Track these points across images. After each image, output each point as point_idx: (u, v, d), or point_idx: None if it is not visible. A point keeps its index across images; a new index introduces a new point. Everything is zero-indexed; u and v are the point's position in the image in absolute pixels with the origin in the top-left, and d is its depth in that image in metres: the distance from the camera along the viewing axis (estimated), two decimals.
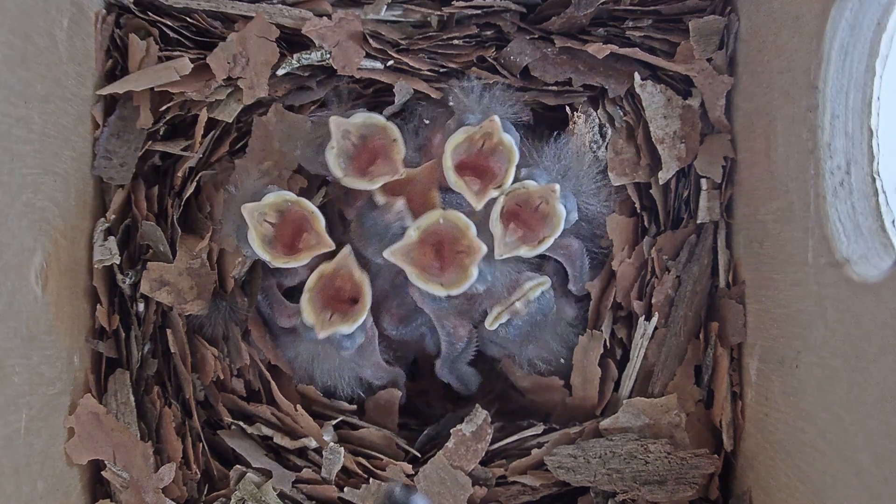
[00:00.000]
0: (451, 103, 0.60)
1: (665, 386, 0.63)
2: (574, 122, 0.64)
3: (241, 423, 0.62)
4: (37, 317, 0.53)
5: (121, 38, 0.62)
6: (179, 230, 0.62)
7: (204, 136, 0.63)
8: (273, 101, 0.64)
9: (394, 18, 0.65)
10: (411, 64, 0.63)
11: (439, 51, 0.64)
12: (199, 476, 0.61)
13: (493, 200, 0.56)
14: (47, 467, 0.54)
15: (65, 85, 0.57)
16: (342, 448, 0.61)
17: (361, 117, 0.58)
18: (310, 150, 0.59)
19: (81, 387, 0.59)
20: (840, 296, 0.48)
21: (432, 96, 0.64)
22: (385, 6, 0.64)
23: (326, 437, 0.62)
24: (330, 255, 0.58)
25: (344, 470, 0.61)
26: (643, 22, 0.64)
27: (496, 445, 0.63)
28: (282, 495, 0.60)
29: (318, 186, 0.64)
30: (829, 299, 0.49)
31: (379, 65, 0.64)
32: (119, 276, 0.61)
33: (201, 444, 0.62)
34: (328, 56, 0.62)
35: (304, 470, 0.61)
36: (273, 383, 0.63)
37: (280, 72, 0.63)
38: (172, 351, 0.62)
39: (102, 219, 0.61)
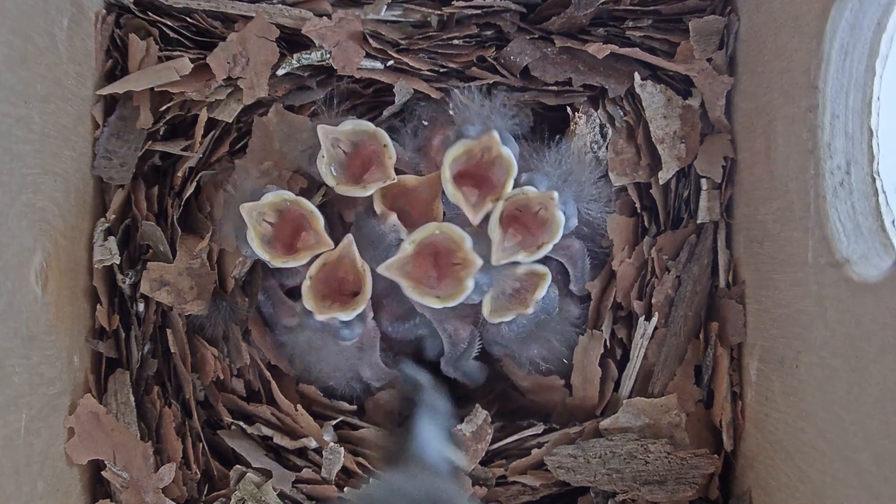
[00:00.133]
0: (451, 112, 0.61)
1: (665, 386, 0.63)
2: (575, 123, 0.64)
3: (241, 423, 0.62)
4: (37, 317, 0.53)
5: (121, 38, 0.62)
6: (179, 230, 0.62)
7: (204, 136, 0.63)
8: (273, 101, 0.64)
9: (394, 18, 0.65)
10: (411, 64, 0.63)
11: (439, 51, 0.64)
12: (199, 476, 0.61)
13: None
14: (47, 467, 0.54)
15: (65, 85, 0.57)
16: (342, 448, 0.61)
17: (350, 124, 0.58)
18: (303, 159, 0.60)
19: (81, 387, 0.59)
20: (840, 296, 0.48)
21: (432, 96, 0.64)
22: (385, 6, 0.64)
23: (326, 437, 0.62)
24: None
25: (344, 470, 0.61)
26: (643, 22, 0.64)
27: (496, 445, 0.63)
28: (282, 495, 0.60)
29: (318, 186, 0.64)
30: (829, 299, 0.49)
31: (379, 65, 0.64)
32: (119, 276, 0.61)
33: (201, 444, 0.62)
34: (328, 56, 0.62)
35: (304, 470, 0.61)
36: (273, 383, 0.63)
37: (280, 72, 0.63)
38: (172, 351, 0.62)
39: (102, 219, 0.61)
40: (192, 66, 0.61)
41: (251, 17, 0.62)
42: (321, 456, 0.61)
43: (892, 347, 0.42)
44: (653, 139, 0.64)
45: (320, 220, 0.57)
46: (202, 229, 0.63)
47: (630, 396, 0.63)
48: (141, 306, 0.62)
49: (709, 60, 0.63)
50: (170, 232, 0.62)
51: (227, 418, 0.62)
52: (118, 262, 0.61)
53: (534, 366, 0.63)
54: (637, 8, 0.64)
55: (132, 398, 0.60)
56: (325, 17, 0.62)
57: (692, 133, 0.64)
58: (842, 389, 0.47)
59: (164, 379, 0.63)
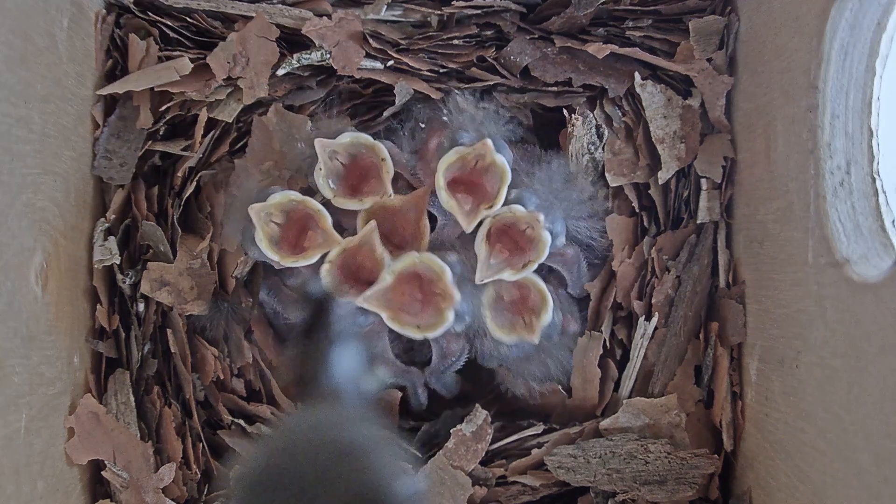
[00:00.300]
0: (444, 118, 0.61)
1: (665, 386, 0.63)
2: (572, 125, 0.64)
3: (241, 423, 0.62)
4: (37, 317, 0.53)
5: (121, 38, 0.62)
6: (179, 230, 0.62)
7: (204, 136, 0.63)
8: (273, 101, 0.64)
9: (394, 18, 0.65)
10: (411, 64, 0.63)
11: (439, 51, 0.64)
12: (199, 476, 0.61)
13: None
14: (47, 467, 0.54)
15: (65, 85, 0.57)
16: None
17: (349, 137, 0.58)
18: (303, 167, 0.60)
19: (81, 387, 0.59)
20: (840, 296, 0.48)
21: (432, 96, 0.64)
22: (385, 6, 0.64)
23: None
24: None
25: None
26: (643, 22, 0.64)
27: (496, 445, 0.63)
28: None
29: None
30: (829, 299, 0.49)
31: (379, 65, 0.64)
32: (119, 276, 0.61)
33: (201, 444, 0.62)
34: (328, 56, 0.62)
35: None
36: (274, 382, 0.63)
37: (280, 72, 0.63)
38: (172, 351, 0.62)
39: (102, 219, 0.61)
40: (192, 66, 0.61)
41: (251, 17, 0.62)
42: None
43: (892, 347, 0.42)
44: (653, 139, 0.64)
45: (328, 219, 0.57)
46: (202, 229, 0.63)
47: (630, 396, 0.63)
48: (141, 306, 0.62)
49: (709, 60, 0.63)
50: (170, 232, 0.62)
51: (228, 418, 0.62)
52: (118, 262, 0.61)
53: (528, 389, 0.63)
54: (637, 8, 0.64)
55: (132, 398, 0.60)
56: (325, 17, 0.62)
57: (692, 133, 0.64)
58: (842, 389, 0.47)
59: (164, 379, 0.63)
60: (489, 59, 0.64)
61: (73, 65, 0.58)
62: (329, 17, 0.62)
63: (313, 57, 0.63)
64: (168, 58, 0.62)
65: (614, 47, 0.63)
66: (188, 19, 0.63)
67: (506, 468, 0.62)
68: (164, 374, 0.63)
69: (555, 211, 0.59)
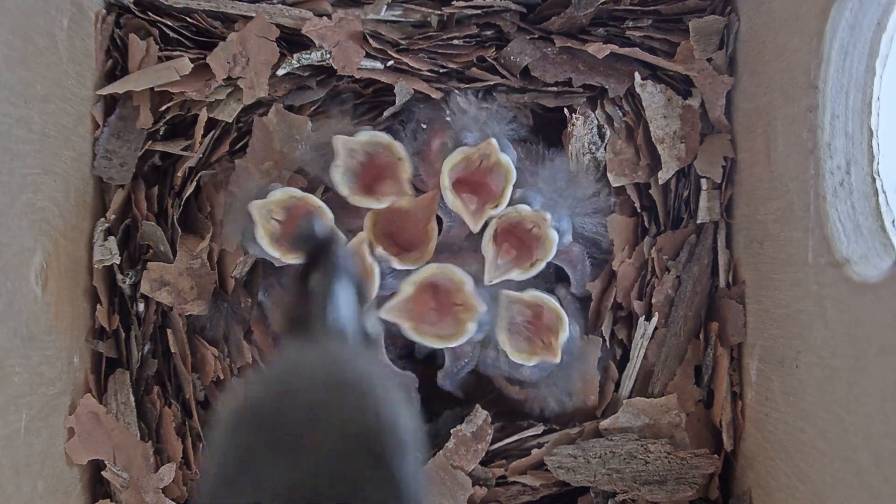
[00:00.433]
0: (448, 118, 0.61)
1: (665, 386, 0.63)
2: (573, 124, 0.64)
3: None
4: (37, 317, 0.53)
5: (121, 38, 0.62)
6: (179, 230, 0.62)
7: (204, 136, 0.63)
8: (273, 101, 0.64)
9: (394, 18, 0.65)
10: (411, 64, 0.63)
11: (439, 51, 0.64)
12: (199, 476, 0.61)
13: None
14: (47, 467, 0.54)
15: (65, 85, 0.57)
16: None
17: (366, 135, 0.58)
18: (317, 162, 0.60)
19: (81, 387, 0.59)
20: (840, 296, 0.48)
21: (432, 96, 0.64)
22: (385, 6, 0.64)
23: None
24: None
25: None
26: (643, 22, 0.64)
27: (496, 445, 0.63)
28: None
29: (318, 186, 0.64)
30: (829, 299, 0.49)
31: (379, 65, 0.64)
32: (119, 276, 0.61)
33: (201, 444, 0.62)
34: (328, 56, 0.62)
35: None
36: None
37: (280, 72, 0.63)
38: (172, 351, 0.62)
39: (102, 219, 0.61)
40: (192, 66, 0.61)
41: (251, 17, 0.62)
42: None
43: (892, 347, 0.42)
44: (653, 139, 0.64)
45: (329, 215, 0.57)
46: (202, 229, 0.63)
47: (630, 396, 0.63)
48: (141, 306, 0.62)
49: (709, 60, 0.63)
50: (170, 232, 0.62)
51: None
52: (118, 262, 0.61)
53: (563, 398, 0.63)
54: (637, 8, 0.64)
55: (132, 398, 0.60)
56: (325, 17, 0.62)
57: (692, 133, 0.64)
58: (842, 389, 0.47)
59: (165, 379, 0.63)
60: (489, 59, 0.64)
61: (73, 65, 0.58)
62: (329, 17, 0.62)
63: (313, 57, 0.63)
64: (168, 58, 0.62)
65: (614, 47, 0.63)
66: (188, 19, 0.63)
67: (506, 468, 0.62)
68: (164, 374, 0.62)
69: (560, 209, 0.59)
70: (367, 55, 0.63)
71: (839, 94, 0.50)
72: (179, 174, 0.63)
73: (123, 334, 0.62)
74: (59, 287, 0.56)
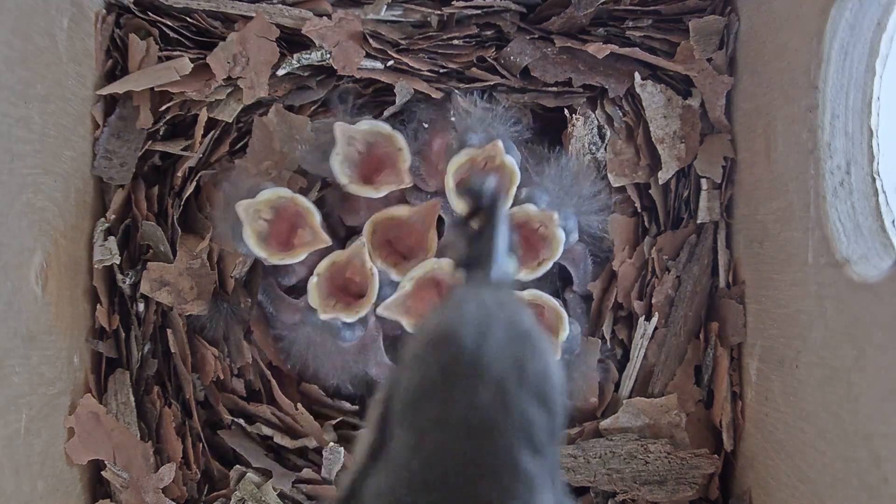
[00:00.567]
0: (452, 118, 0.61)
1: (665, 386, 0.63)
2: (573, 125, 0.64)
3: (241, 422, 0.62)
4: (37, 317, 0.53)
5: (121, 38, 0.62)
6: (179, 230, 0.62)
7: (204, 136, 0.63)
8: (273, 101, 0.64)
9: (394, 18, 0.65)
10: (411, 64, 0.63)
11: (439, 51, 0.64)
12: (199, 476, 0.61)
13: None
14: (47, 467, 0.54)
15: (65, 85, 0.57)
16: (342, 448, 0.61)
17: (367, 125, 0.58)
18: (314, 155, 0.60)
19: (81, 387, 0.59)
20: (840, 296, 0.48)
21: (433, 96, 0.64)
22: (385, 6, 0.64)
23: (327, 437, 0.62)
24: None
25: (344, 469, 0.61)
26: (643, 22, 0.64)
27: None
28: (282, 495, 0.60)
29: (316, 185, 0.64)
30: (829, 299, 0.49)
31: (379, 65, 0.64)
32: (119, 276, 0.61)
33: (201, 444, 0.62)
34: (328, 56, 0.62)
35: (304, 470, 0.61)
36: (274, 382, 0.63)
37: (280, 72, 0.63)
38: (172, 351, 0.62)
39: (102, 219, 0.61)
40: (192, 66, 0.61)
41: (251, 17, 0.62)
42: (321, 456, 0.61)
43: (892, 347, 0.42)
44: (653, 139, 0.64)
45: (316, 217, 0.57)
46: (202, 229, 0.63)
47: (630, 396, 0.63)
48: (141, 306, 0.62)
49: (709, 60, 0.63)
50: (170, 232, 0.62)
51: (228, 418, 0.62)
52: (118, 262, 0.61)
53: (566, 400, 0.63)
54: (637, 8, 0.64)
55: (132, 398, 0.60)
56: (325, 17, 0.62)
57: (692, 133, 0.64)
58: (842, 389, 0.47)
59: (164, 379, 0.63)
60: (489, 60, 0.64)
61: (73, 65, 0.58)
62: (329, 17, 0.62)
63: (313, 57, 0.63)
64: (168, 58, 0.62)
65: (614, 47, 0.62)
66: (188, 19, 0.63)
67: None
68: (164, 374, 0.63)
69: (566, 207, 0.59)
70: (367, 55, 0.63)
71: (839, 94, 0.50)
72: (179, 174, 0.63)
73: (123, 334, 0.62)
74: (59, 287, 0.56)
